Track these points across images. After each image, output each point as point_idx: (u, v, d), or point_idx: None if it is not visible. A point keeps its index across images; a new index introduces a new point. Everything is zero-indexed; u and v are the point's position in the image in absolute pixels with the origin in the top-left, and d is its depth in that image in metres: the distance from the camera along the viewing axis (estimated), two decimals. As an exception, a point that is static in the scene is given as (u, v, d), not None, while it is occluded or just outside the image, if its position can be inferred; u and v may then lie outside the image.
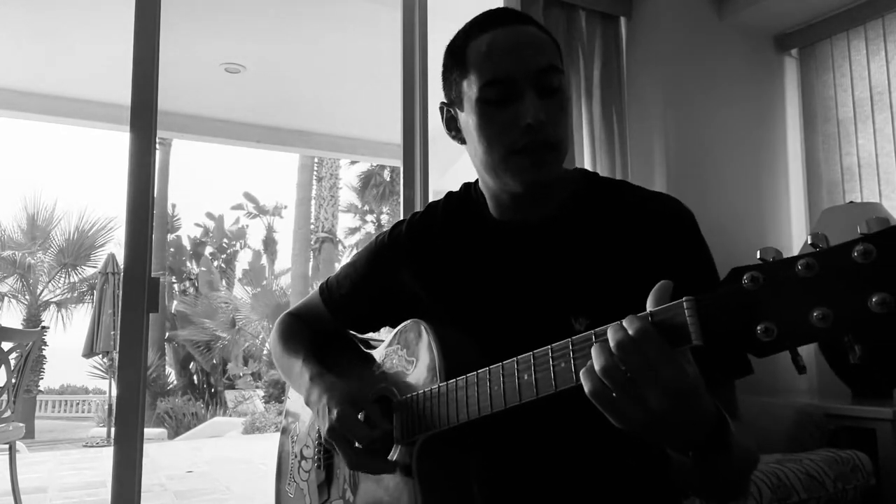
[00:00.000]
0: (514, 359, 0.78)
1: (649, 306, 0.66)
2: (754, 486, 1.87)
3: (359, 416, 0.95)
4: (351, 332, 1.22)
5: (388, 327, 1.14)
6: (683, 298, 0.63)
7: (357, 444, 0.93)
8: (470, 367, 0.84)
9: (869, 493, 2.13)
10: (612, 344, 0.64)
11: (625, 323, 0.65)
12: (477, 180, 1.08)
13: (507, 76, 0.90)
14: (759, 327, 0.59)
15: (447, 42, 1.00)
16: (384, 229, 1.18)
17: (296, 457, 1.18)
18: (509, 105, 0.90)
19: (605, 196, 0.99)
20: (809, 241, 0.58)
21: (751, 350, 0.60)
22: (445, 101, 1.02)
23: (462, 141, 1.01)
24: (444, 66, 1.00)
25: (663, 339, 0.63)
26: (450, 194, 1.12)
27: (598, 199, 0.99)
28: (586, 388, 0.65)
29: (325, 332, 1.20)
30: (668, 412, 0.63)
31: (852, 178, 2.91)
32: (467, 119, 0.96)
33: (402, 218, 1.18)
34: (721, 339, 0.61)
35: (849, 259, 0.55)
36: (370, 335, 1.22)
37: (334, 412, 0.93)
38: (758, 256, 0.60)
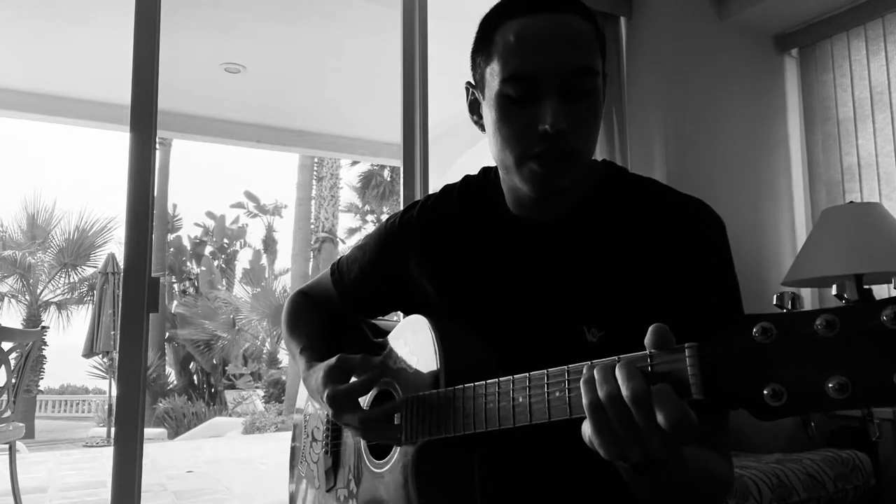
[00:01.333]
0: (510, 378, 0.74)
1: (648, 344, 0.61)
2: (754, 485, 1.87)
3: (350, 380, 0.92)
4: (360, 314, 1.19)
5: (399, 312, 1.12)
6: (686, 345, 0.58)
7: (360, 415, 0.90)
8: (474, 371, 0.82)
9: (869, 493, 2.13)
10: (625, 393, 0.59)
11: (626, 383, 0.59)
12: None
13: (531, 73, 0.82)
14: (766, 390, 0.53)
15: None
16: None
17: (308, 436, 1.18)
18: (530, 105, 0.83)
19: (630, 196, 0.93)
20: (834, 293, 0.53)
21: (754, 412, 0.54)
22: (472, 82, 0.94)
23: (482, 128, 0.94)
24: (474, 43, 0.91)
25: (676, 397, 0.57)
26: (467, 179, 1.06)
27: (623, 198, 0.92)
28: (589, 419, 0.62)
29: (334, 312, 1.17)
30: (662, 455, 0.61)
31: (852, 178, 2.91)
32: (488, 110, 0.89)
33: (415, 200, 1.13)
34: (723, 397, 0.56)
35: (877, 321, 0.48)
36: (380, 319, 1.20)
37: (325, 394, 0.91)
38: (773, 302, 0.55)
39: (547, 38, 0.82)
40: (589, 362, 0.64)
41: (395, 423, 0.94)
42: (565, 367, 0.68)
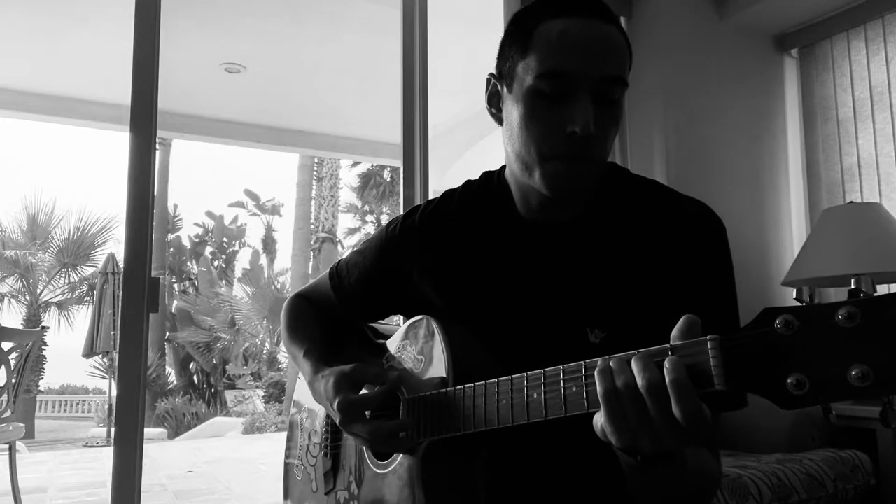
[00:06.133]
0: (524, 374, 0.74)
1: (673, 339, 0.62)
2: (754, 485, 1.87)
3: (361, 392, 0.92)
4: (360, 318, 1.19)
5: (400, 316, 1.12)
6: (708, 337, 0.59)
7: (367, 415, 0.91)
8: (480, 372, 0.82)
9: (869, 493, 2.13)
10: (640, 383, 0.60)
11: (641, 374, 0.61)
12: (501, 169, 1.02)
13: (568, 72, 0.82)
14: (790, 379, 0.54)
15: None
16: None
17: (305, 439, 1.18)
18: (561, 104, 0.83)
19: (634, 198, 0.94)
20: (852, 286, 0.55)
21: (776, 401, 0.55)
22: (495, 73, 0.94)
23: (500, 121, 0.94)
24: (506, 34, 0.91)
25: (693, 387, 0.58)
26: (468, 183, 1.06)
27: (627, 200, 0.94)
28: (604, 409, 0.63)
29: (333, 316, 1.17)
30: (674, 446, 0.62)
31: (852, 178, 2.91)
32: (513, 104, 0.89)
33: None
34: (746, 387, 0.56)
35: None
36: (380, 322, 1.20)
37: (336, 402, 0.91)
38: (793, 296, 0.57)
39: (588, 40, 0.83)
40: (607, 356, 0.66)
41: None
42: (582, 362, 0.68)
